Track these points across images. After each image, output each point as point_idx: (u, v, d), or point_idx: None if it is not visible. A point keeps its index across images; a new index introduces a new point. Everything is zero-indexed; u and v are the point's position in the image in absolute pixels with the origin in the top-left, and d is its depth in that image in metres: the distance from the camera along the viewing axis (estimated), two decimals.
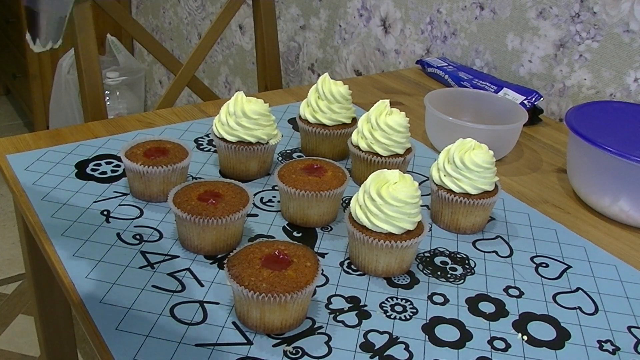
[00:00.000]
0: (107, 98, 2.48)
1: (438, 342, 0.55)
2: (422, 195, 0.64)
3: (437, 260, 0.66)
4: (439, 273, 0.64)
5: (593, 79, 1.02)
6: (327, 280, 0.62)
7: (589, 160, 0.76)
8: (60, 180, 0.75)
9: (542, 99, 1.02)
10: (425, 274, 0.64)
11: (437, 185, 0.71)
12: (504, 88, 1.03)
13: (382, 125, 0.75)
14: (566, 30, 1.04)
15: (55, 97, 2.42)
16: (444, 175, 0.70)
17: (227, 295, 0.59)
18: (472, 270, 0.65)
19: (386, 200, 0.60)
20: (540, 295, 0.63)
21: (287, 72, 1.80)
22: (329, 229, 0.70)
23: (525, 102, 1.00)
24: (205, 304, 0.58)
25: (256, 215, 0.71)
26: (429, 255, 0.67)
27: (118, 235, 0.66)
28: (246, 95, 0.76)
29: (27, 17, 0.49)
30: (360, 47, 1.51)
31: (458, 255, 0.68)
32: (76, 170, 0.77)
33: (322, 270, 0.62)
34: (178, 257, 0.64)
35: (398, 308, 0.59)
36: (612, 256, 0.70)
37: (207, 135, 0.89)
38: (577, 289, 0.64)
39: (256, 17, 1.34)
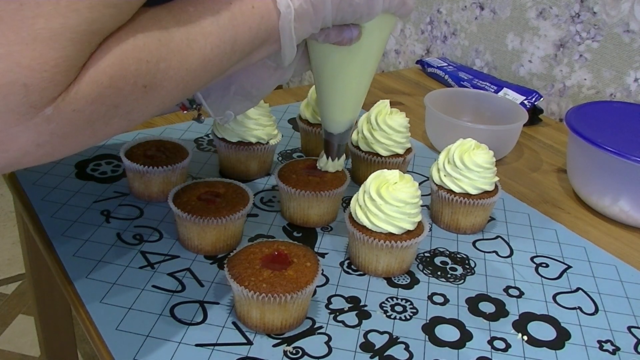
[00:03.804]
0: None
1: (438, 342, 0.55)
2: (422, 195, 0.64)
3: (437, 260, 0.66)
4: (439, 273, 0.64)
5: (593, 79, 1.02)
6: (327, 280, 0.62)
7: (589, 160, 0.76)
8: (60, 180, 0.75)
9: (542, 99, 1.02)
10: (425, 274, 0.64)
11: (437, 185, 0.71)
12: (504, 88, 1.03)
13: (382, 125, 0.75)
14: (566, 30, 1.04)
15: None
16: (444, 175, 0.70)
17: (227, 295, 0.59)
18: (472, 270, 0.65)
19: (386, 200, 0.60)
20: (540, 295, 0.63)
21: None
22: (329, 229, 0.70)
23: (525, 102, 1.00)
24: (205, 304, 0.57)
25: (256, 215, 0.71)
26: (429, 255, 0.67)
27: (118, 235, 0.66)
28: None
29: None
30: None
31: (458, 255, 0.68)
32: (76, 170, 0.77)
33: (322, 270, 0.62)
34: (178, 257, 0.64)
35: (398, 308, 0.59)
36: (612, 256, 0.70)
37: (207, 135, 0.89)
38: (577, 289, 0.64)
39: None
